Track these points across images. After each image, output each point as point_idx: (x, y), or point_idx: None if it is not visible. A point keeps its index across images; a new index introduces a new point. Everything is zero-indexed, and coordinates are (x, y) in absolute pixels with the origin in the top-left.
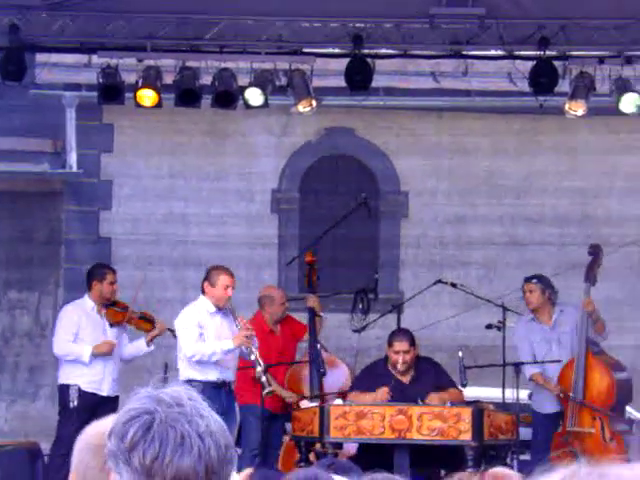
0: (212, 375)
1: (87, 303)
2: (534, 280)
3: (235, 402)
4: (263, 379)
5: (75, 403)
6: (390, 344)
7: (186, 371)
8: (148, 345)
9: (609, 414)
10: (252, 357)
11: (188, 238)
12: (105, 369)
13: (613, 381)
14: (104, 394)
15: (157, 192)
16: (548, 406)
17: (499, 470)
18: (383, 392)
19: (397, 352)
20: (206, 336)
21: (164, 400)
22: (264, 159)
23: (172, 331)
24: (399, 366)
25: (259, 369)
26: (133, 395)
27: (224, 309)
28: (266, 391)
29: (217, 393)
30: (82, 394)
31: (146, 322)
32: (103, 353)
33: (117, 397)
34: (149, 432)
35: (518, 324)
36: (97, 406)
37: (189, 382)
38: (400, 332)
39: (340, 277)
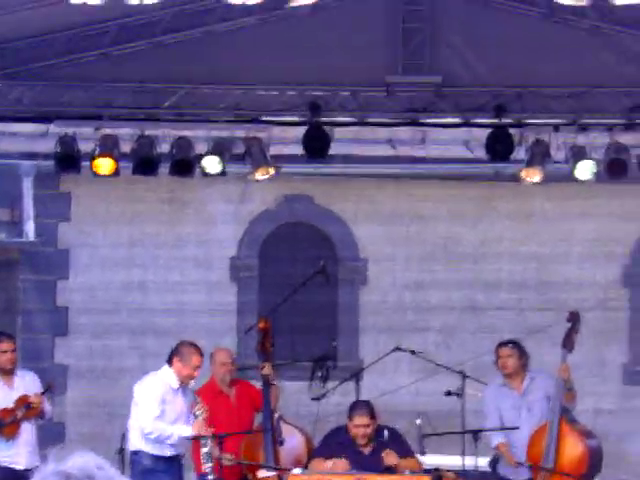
0: (166, 451)
1: None
2: (510, 345)
3: (182, 472)
4: (210, 478)
5: None
6: (350, 418)
7: (138, 442)
8: (44, 418)
9: None
10: (204, 450)
11: (147, 306)
12: (18, 442)
13: (586, 449)
14: (21, 467)
15: (115, 260)
16: (515, 473)
17: None
18: (341, 465)
19: (357, 426)
20: (166, 413)
21: (74, 475)
22: (222, 226)
23: (47, 390)
24: (359, 440)
25: (209, 465)
26: (37, 472)
27: (185, 387)
28: None
29: (170, 465)
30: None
31: (29, 410)
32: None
33: (38, 467)
34: None
35: (488, 389)
36: None
37: (140, 452)
38: (360, 406)
39: (299, 344)
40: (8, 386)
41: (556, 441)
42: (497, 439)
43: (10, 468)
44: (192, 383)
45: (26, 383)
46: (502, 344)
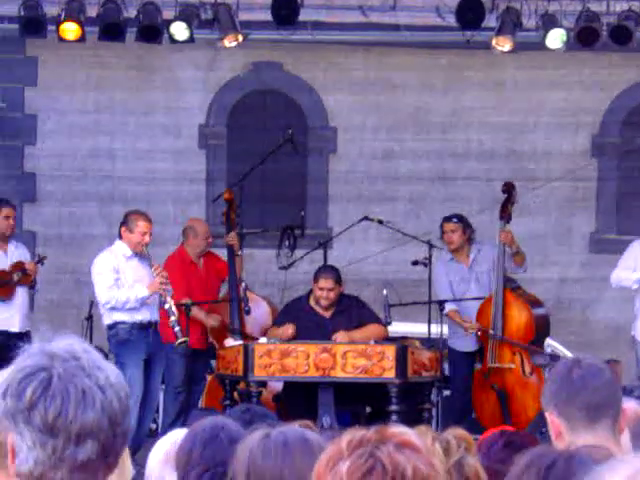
0: (138, 316)
1: None
2: (454, 219)
3: (159, 340)
4: (177, 329)
5: None
6: (316, 280)
7: (111, 314)
8: (35, 289)
9: (528, 348)
10: (166, 306)
11: (114, 174)
12: (14, 305)
13: (531, 316)
14: (16, 330)
15: (82, 127)
16: (464, 343)
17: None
18: (286, 330)
19: (322, 288)
20: (124, 280)
21: (59, 355)
22: (191, 94)
23: (40, 261)
24: (322, 302)
25: (173, 318)
26: (23, 351)
27: (141, 254)
28: (179, 342)
29: (145, 334)
30: None
31: (24, 276)
32: None
33: (28, 332)
34: (49, 389)
35: (437, 265)
36: (9, 343)
37: (115, 325)
38: (326, 269)
39: (268, 212)
40: (3, 251)
41: (502, 310)
42: (448, 307)
43: (5, 331)
44: (145, 250)
45: (19, 253)
46: (446, 219)
